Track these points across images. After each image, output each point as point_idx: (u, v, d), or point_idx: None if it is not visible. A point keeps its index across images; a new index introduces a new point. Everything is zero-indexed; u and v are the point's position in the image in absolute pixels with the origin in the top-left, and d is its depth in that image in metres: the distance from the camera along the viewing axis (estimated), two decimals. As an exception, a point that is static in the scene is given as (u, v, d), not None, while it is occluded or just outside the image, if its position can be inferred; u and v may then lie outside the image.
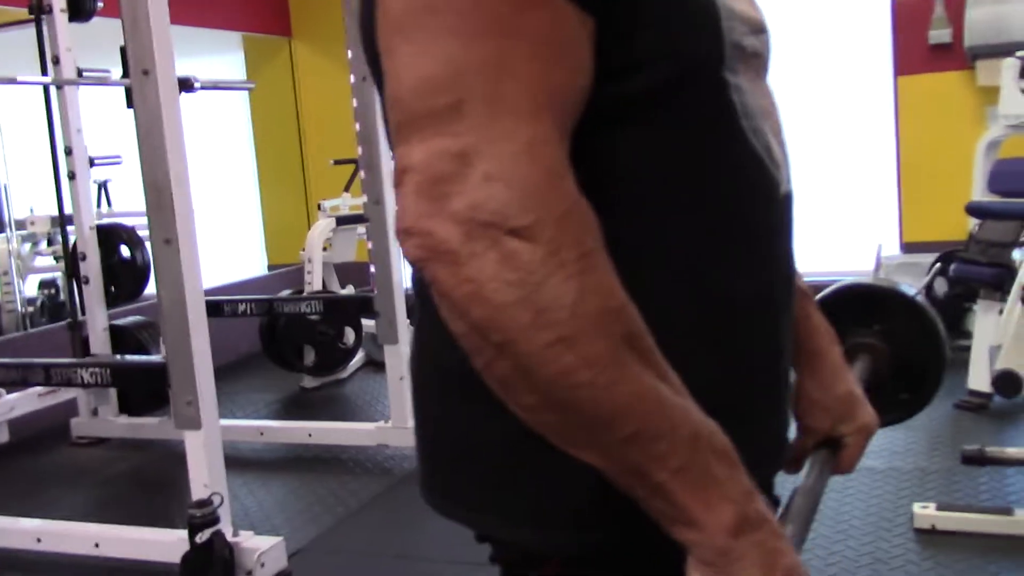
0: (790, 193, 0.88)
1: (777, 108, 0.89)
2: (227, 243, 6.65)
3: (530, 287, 0.63)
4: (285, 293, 5.00)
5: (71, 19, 3.99)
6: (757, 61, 0.84)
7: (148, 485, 3.74)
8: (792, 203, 0.89)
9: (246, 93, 6.86)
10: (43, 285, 5.63)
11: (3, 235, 5.85)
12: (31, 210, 5.61)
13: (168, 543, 2.79)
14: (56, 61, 3.93)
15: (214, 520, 2.67)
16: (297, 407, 4.74)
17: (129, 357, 3.91)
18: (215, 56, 6.85)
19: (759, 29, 0.86)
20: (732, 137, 0.80)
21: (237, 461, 3.05)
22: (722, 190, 0.80)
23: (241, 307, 4.45)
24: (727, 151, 0.80)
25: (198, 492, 2.75)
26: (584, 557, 0.80)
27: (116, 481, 3.85)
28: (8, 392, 3.68)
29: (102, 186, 5.82)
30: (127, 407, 4.26)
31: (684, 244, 0.79)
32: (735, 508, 0.69)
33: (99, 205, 5.76)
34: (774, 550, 0.70)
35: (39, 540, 3.08)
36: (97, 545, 2.98)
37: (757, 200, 0.83)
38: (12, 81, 3.65)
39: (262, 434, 4.04)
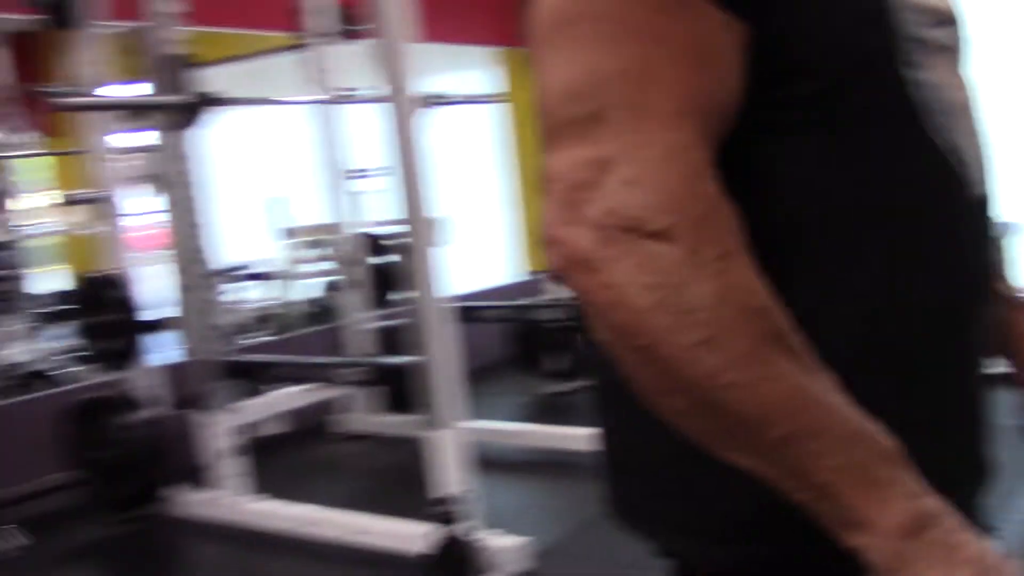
0: (985, 196, 0.82)
1: (974, 104, 0.83)
2: (489, 249, 6.89)
3: (670, 289, 0.63)
4: (538, 299, 5.12)
5: (342, 42, 4.30)
6: (947, 55, 0.80)
7: (403, 479, 3.92)
8: (987, 207, 0.83)
9: (508, 106, 7.08)
10: (317, 289, 6.07)
11: (284, 242, 6.37)
12: (305, 219, 6.07)
13: (416, 535, 2.93)
14: (323, 82, 4.23)
15: (458, 516, 2.78)
16: (546, 411, 4.83)
17: (386, 358, 4.13)
18: (476, 71, 7.12)
19: (946, 20, 0.81)
20: (912, 137, 0.76)
21: (485, 461, 3.15)
22: (904, 196, 0.76)
23: (495, 312, 4.60)
24: (906, 152, 0.76)
25: (444, 489, 2.87)
26: (749, 571, 0.78)
27: (376, 474, 4.09)
28: (280, 388, 3.98)
29: (368, 196, 6.21)
30: (387, 405, 4.51)
31: (858, 252, 0.75)
32: (906, 506, 0.64)
33: (366, 214, 6.16)
34: (955, 545, 0.65)
35: (303, 525, 3.32)
36: (354, 533, 3.18)
37: (945, 205, 0.78)
38: (292, 102, 3.96)
39: (511, 436, 4.16)
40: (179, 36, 3.57)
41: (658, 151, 0.65)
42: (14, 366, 5.93)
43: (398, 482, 3.74)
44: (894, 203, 0.76)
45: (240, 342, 5.18)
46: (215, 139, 8.15)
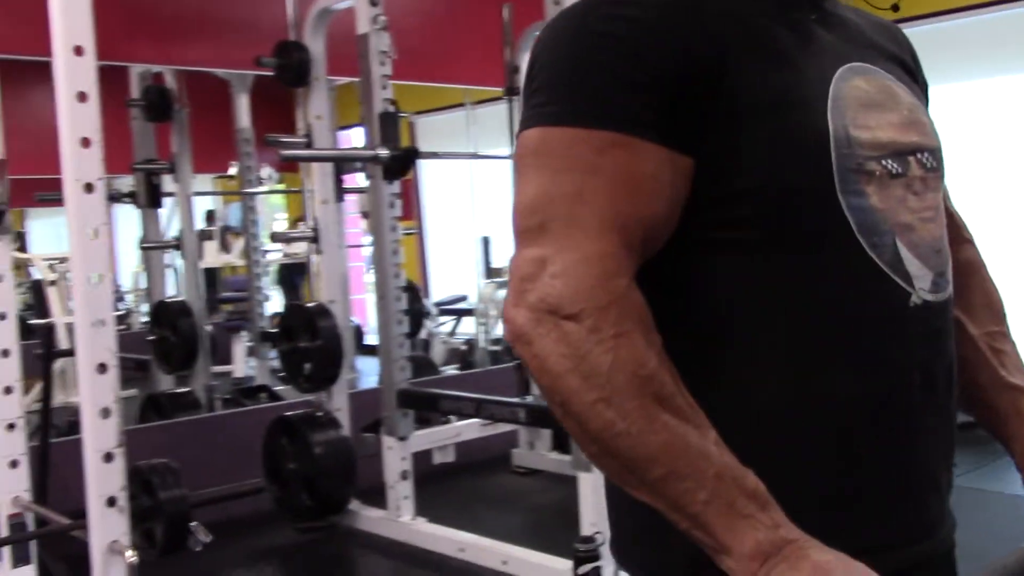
0: (929, 302, 0.93)
1: (933, 222, 0.95)
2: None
3: (577, 359, 0.81)
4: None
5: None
6: (900, 180, 0.92)
7: (564, 517, 4.09)
8: (936, 311, 0.94)
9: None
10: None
11: (486, 282, 6.71)
12: (505, 259, 6.38)
13: (559, 571, 3.09)
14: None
15: (596, 556, 2.92)
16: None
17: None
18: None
19: (908, 151, 0.94)
20: (844, 253, 0.89)
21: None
22: (830, 303, 0.89)
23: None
24: (835, 267, 0.89)
25: (586, 528, 3.02)
26: None
27: (539, 509, 4.29)
28: (457, 420, 4.26)
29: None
30: (558, 444, 4.69)
31: (790, 352, 0.89)
32: (762, 536, 0.79)
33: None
34: (798, 556, 0.78)
35: (461, 550, 3.57)
36: (505, 563, 3.39)
37: (873, 311, 0.90)
38: (474, 156, 4.25)
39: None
40: (390, 93, 3.92)
41: (580, 255, 0.83)
42: (240, 380, 6.56)
43: (557, 518, 3.91)
44: (821, 309, 0.90)
45: (433, 375, 5.54)
46: (431, 181, 8.67)
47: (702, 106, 0.87)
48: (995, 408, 1.09)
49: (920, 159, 0.95)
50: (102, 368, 2.63)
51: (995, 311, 1.13)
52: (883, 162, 0.91)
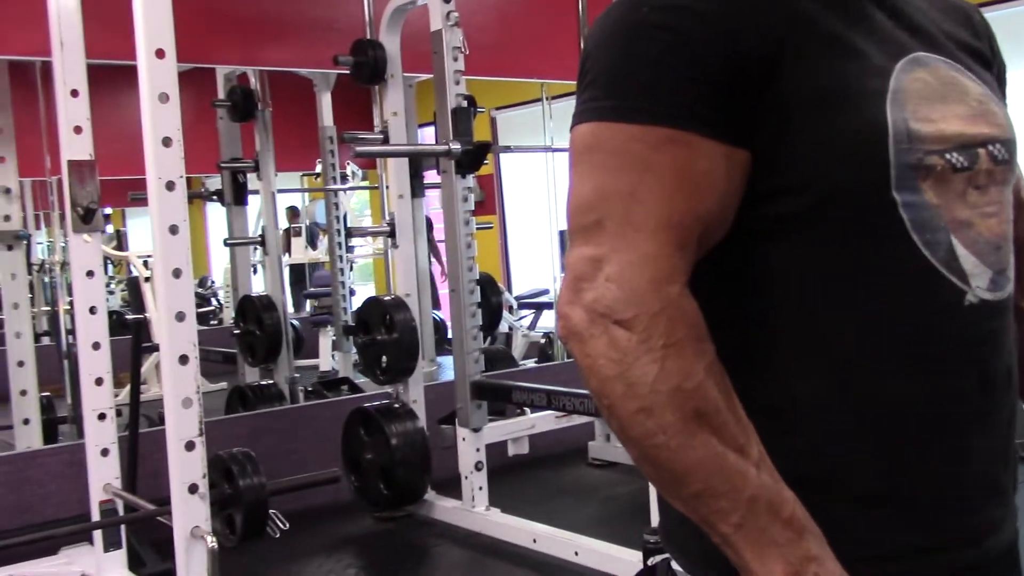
0: (987, 301, 0.91)
1: (996, 216, 0.92)
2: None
3: (624, 365, 0.81)
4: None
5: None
6: (964, 175, 0.89)
7: (637, 509, 4.09)
8: (995, 309, 0.92)
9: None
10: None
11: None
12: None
13: (629, 562, 3.10)
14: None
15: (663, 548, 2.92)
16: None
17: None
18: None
19: (978, 143, 0.91)
20: (897, 250, 0.87)
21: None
22: (880, 300, 0.88)
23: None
24: (888, 263, 0.88)
25: (655, 520, 3.02)
26: None
27: (613, 501, 4.29)
28: (531, 412, 4.29)
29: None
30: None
31: (837, 348, 0.88)
32: (789, 568, 0.79)
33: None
34: None
35: (534, 541, 3.60)
36: (576, 553, 3.42)
37: (925, 309, 0.89)
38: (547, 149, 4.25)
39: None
40: (463, 88, 3.97)
41: (635, 256, 0.84)
42: (324, 373, 6.71)
43: (630, 510, 3.91)
44: (871, 306, 0.88)
45: (512, 368, 5.58)
46: (514, 176, 8.71)
47: (757, 99, 0.86)
48: None
49: (991, 151, 0.92)
50: (183, 360, 2.73)
51: None
52: (947, 156, 0.88)
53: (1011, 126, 0.97)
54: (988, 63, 1.04)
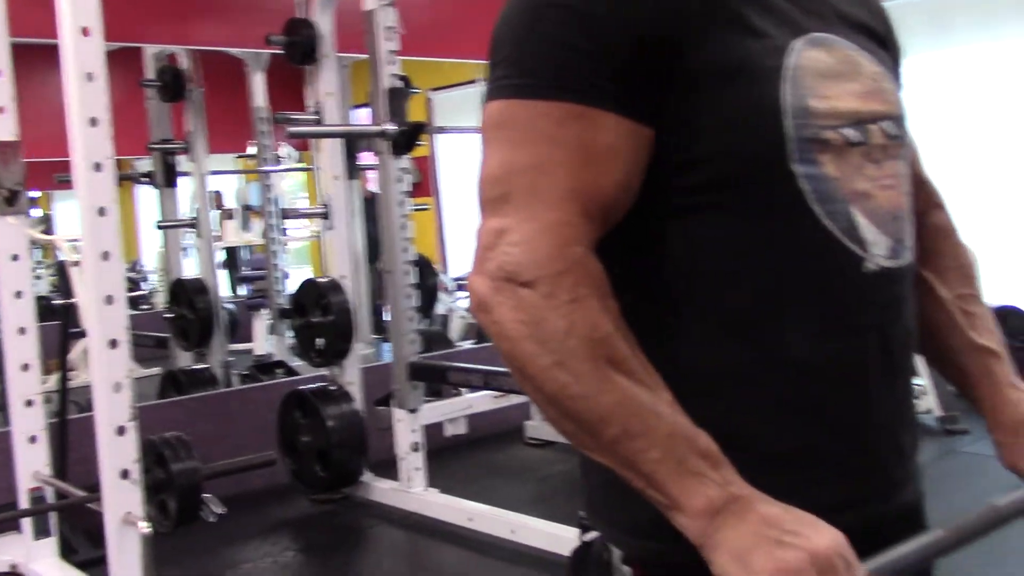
0: (887, 268, 0.95)
1: (893, 189, 0.97)
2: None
3: (533, 325, 0.83)
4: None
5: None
6: (860, 149, 0.93)
7: (575, 487, 4.15)
8: (894, 277, 0.96)
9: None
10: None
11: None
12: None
13: (566, 539, 3.12)
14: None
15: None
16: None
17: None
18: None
19: (870, 119, 0.95)
20: (798, 220, 0.91)
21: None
22: (784, 268, 0.91)
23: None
24: (791, 233, 0.91)
25: (591, 497, 3.06)
26: (657, 563, 0.95)
27: (550, 480, 4.33)
28: (468, 392, 4.31)
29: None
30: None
31: (745, 315, 0.92)
32: (711, 492, 0.82)
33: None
34: (746, 509, 0.81)
35: (471, 520, 3.63)
36: (513, 531, 3.45)
37: (827, 277, 0.93)
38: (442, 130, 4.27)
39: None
40: (398, 68, 3.95)
41: (539, 225, 0.86)
42: (260, 357, 6.65)
43: (568, 488, 3.96)
44: (776, 274, 0.92)
45: (448, 348, 5.59)
46: (451, 158, 8.69)
47: (660, 76, 0.89)
48: (966, 370, 1.11)
49: (882, 127, 0.96)
50: (113, 344, 2.69)
51: (966, 274, 1.15)
52: (841, 131, 0.92)
53: (902, 104, 1.02)
54: (884, 43, 1.08)
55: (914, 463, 1.05)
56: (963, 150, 5.74)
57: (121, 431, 2.68)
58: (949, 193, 1.21)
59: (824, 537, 0.80)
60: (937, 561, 0.97)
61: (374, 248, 5.21)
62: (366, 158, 5.55)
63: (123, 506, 2.68)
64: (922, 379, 4.67)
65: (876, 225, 0.94)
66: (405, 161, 4.07)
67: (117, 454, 2.68)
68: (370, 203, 5.56)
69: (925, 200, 1.15)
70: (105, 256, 2.65)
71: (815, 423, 0.93)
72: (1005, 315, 5.44)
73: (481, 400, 4.26)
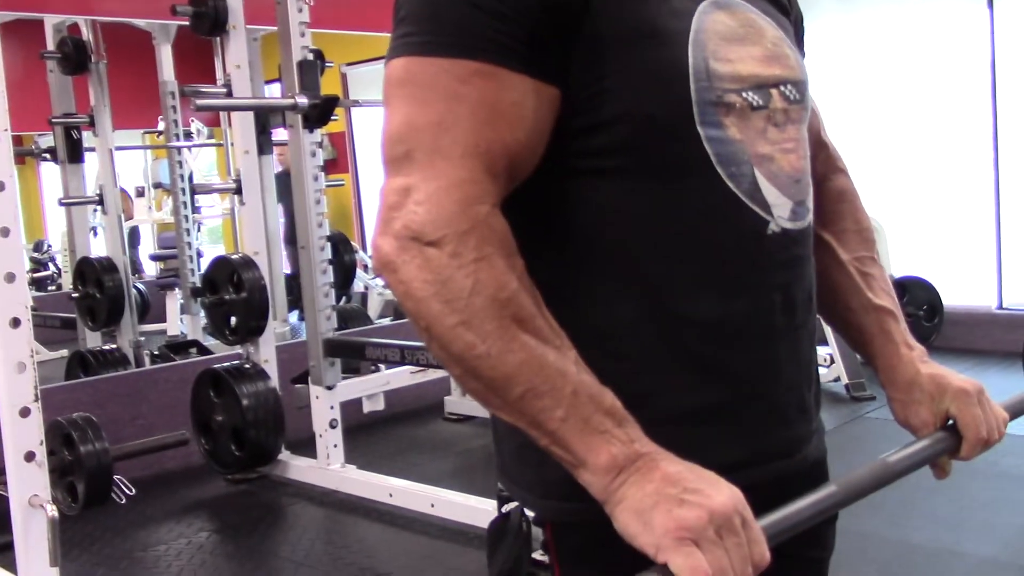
0: (788, 230, 0.97)
1: (794, 152, 0.98)
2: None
3: (438, 285, 0.82)
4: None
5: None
6: (762, 112, 0.95)
7: (493, 461, 4.18)
8: (795, 238, 0.98)
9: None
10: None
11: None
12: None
13: (485, 511, 3.14)
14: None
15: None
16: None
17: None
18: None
19: (771, 83, 0.96)
20: (704, 182, 0.92)
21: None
22: (689, 229, 0.92)
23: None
24: (694, 195, 0.92)
25: (509, 469, 3.07)
26: (567, 522, 0.96)
27: (469, 454, 4.34)
28: (386, 369, 4.28)
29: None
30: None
31: (651, 274, 0.92)
32: (614, 449, 0.82)
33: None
34: (650, 467, 0.82)
35: (390, 495, 3.62)
36: (432, 506, 3.45)
37: (731, 237, 0.94)
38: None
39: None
40: (309, 40, 3.88)
41: (443, 183, 0.85)
42: (173, 337, 6.52)
43: (488, 462, 3.97)
44: (681, 235, 0.93)
45: (366, 325, 5.54)
46: (369, 133, 8.59)
47: (566, 36, 0.88)
48: (862, 329, 1.14)
49: (783, 91, 0.98)
50: (15, 323, 2.59)
51: (865, 237, 1.18)
52: (743, 94, 0.93)
53: (803, 68, 1.04)
54: (786, 10, 1.10)
55: (817, 420, 1.07)
56: (871, 120, 5.90)
57: (25, 412, 2.59)
58: (856, 164, 1.24)
59: (723, 494, 0.81)
60: (838, 515, 1.00)
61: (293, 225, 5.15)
62: (280, 133, 5.45)
63: (28, 489, 2.59)
64: (830, 347, 4.79)
65: (778, 188, 0.96)
66: (318, 135, 4.01)
67: (21, 436, 2.59)
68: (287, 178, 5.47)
69: (828, 164, 1.18)
70: (4, 232, 2.55)
71: (720, 382, 0.94)
72: (909, 285, 5.61)
73: (399, 376, 4.24)
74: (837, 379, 4.84)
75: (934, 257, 5.86)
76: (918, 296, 5.63)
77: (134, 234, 7.92)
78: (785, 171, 0.97)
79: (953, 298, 5.72)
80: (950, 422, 1.09)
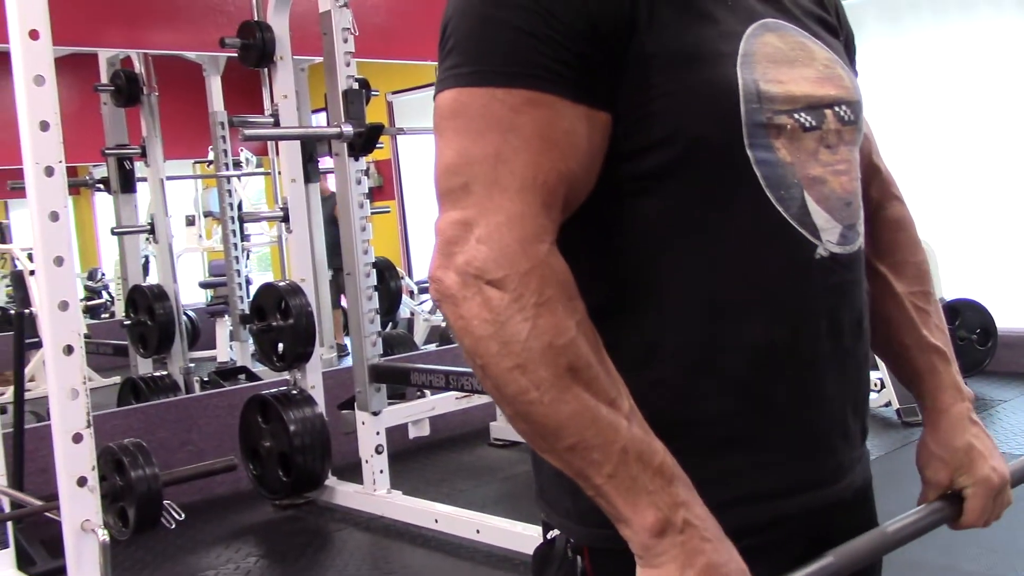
0: (837, 255, 0.96)
1: (846, 175, 0.97)
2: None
3: (498, 325, 0.82)
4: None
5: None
6: (814, 134, 0.94)
7: (540, 488, 4.18)
8: (844, 263, 0.97)
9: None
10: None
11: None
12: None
13: (530, 537, 3.13)
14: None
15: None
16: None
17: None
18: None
19: (824, 104, 0.95)
20: (753, 205, 0.91)
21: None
22: (737, 252, 0.91)
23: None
24: (745, 218, 0.91)
25: (554, 495, 3.06)
26: (604, 548, 0.94)
27: (515, 480, 4.33)
28: (432, 394, 4.30)
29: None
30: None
31: (697, 298, 0.91)
32: (659, 513, 0.82)
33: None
34: (695, 550, 0.81)
35: (436, 521, 3.62)
36: (478, 531, 3.44)
37: (777, 261, 0.93)
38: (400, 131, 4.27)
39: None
40: (354, 69, 3.93)
41: (503, 217, 0.84)
42: (223, 363, 6.60)
43: (530, 488, 3.95)
44: (728, 259, 0.92)
45: (412, 351, 5.57)
46: (415, 161, 8.66)
47: (615, 60, 0.88)
48: (914, 366, 1.12)
49: (837, 112, 0.97)
50: (68, 350, 2.64)
51: (922, 270, 1.15)
52: (795, 115, 0.92)
53: (857, 89, 1.02)
54: (835, 31, 1.09)
55: (863, 448, 1.06)
56: (922, 142, 5.83)
57: (77, 438, 2.64)
58: (907, 186, 1.22)
59: None
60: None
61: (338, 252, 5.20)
62: (327, 162, 5.52)
63: (80, 514, 2.63)
64: (880, 372, 4.72)
65: (828, 211, 0.95)
66: (363, 163, 4.05)
67: (73, 461, 2.63)
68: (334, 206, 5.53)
69: (883, 191, 1.16)
70: (58, 261, 2.61)
71: (764, 408, 0.93)
72: (962, 308, 5.51)
73: (444, 401, 4.25)
74: (888, 404, 4.76)
75: (987, 279, 5.76)
76: (971, 319, 5.51)
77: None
78: (837, 193, 0.96)
79: (1008, 321, 5.60)
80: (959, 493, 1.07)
